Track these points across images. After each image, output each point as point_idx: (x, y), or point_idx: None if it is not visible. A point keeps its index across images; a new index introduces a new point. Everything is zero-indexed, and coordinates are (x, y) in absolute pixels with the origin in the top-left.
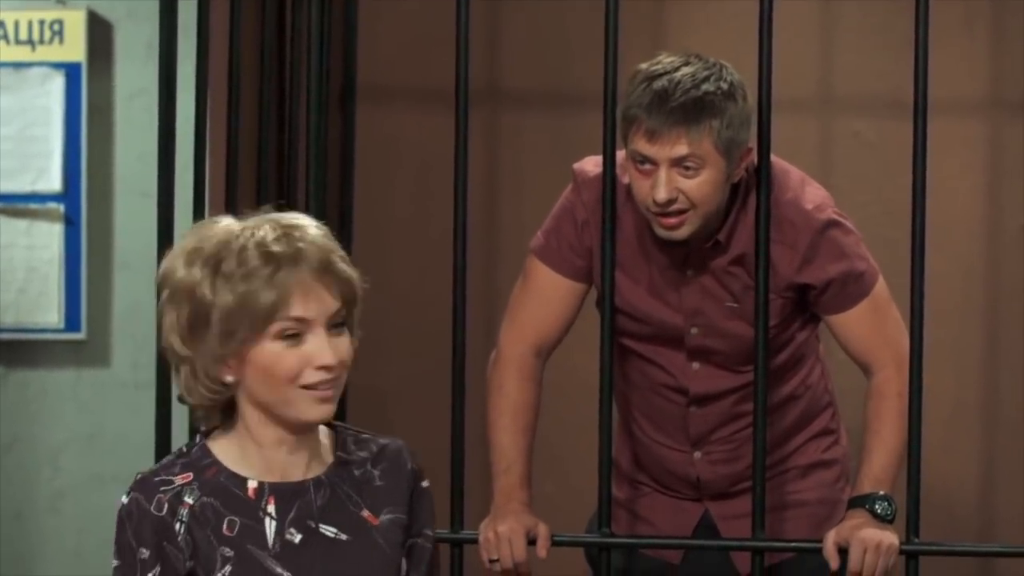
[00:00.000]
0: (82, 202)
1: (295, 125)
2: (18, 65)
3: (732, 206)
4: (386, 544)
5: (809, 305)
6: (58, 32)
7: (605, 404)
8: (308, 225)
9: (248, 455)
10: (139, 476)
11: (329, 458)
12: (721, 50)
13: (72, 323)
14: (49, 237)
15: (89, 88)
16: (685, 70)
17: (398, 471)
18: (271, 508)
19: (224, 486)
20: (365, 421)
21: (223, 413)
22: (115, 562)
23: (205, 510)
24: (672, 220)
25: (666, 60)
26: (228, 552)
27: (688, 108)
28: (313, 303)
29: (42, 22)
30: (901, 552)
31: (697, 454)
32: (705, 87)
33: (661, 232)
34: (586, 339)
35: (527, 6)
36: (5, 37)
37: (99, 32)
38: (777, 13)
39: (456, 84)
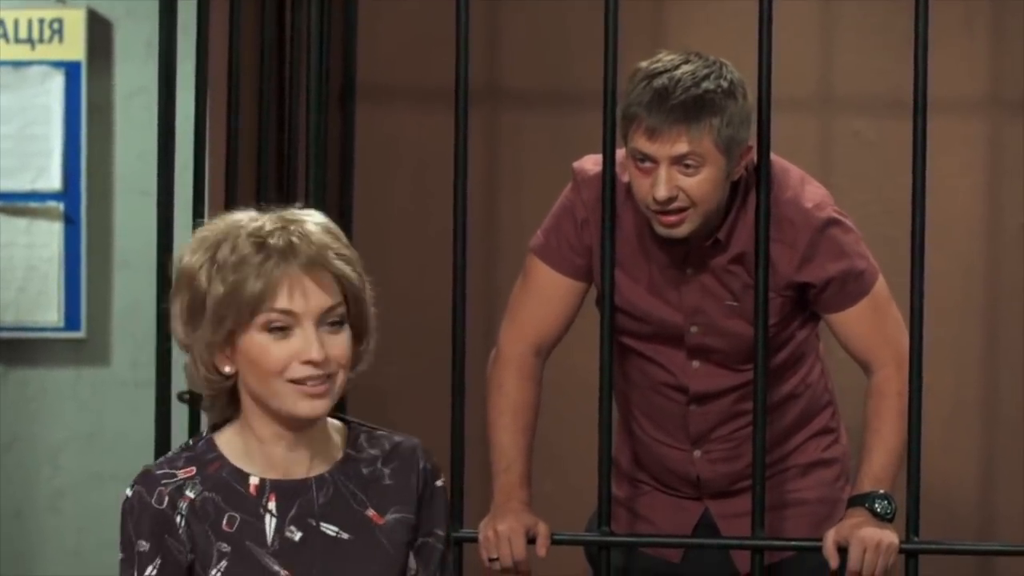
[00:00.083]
0: (82, 201)
1: (295, 124)
2: (18, 64)
3: (732, 204)
4: (389, 544)
5: (809, 304)
6: (58, 31)
7: (605, 403)
8: (309, 220)
9: (251, 450)
10: (144, 469)
11: (337, 455)
12: (721, 49)
13: (72, 322)
14: (49, 236)
15: (89, 87)
16: (685, 68)
17: (409, 470)
18: (272, 505)
19: (226, 482)
20: (364, 419)
21: (231, 406)
22: (120, 555)
23: (206, 505)
24: (672, 218)
25: (666, 58)
26: (225, 548)
27: (688, 106)
28: (301, 297)
29: (42, 21)
30: (901, 551)
31: (697, 453)
32: (705, 85)
33: (661, 230)
34: (586, 338)
35: (527, 5)
36: (5, 36)
37: (99, 31)
38: (777, 12)
39: (456, 83)
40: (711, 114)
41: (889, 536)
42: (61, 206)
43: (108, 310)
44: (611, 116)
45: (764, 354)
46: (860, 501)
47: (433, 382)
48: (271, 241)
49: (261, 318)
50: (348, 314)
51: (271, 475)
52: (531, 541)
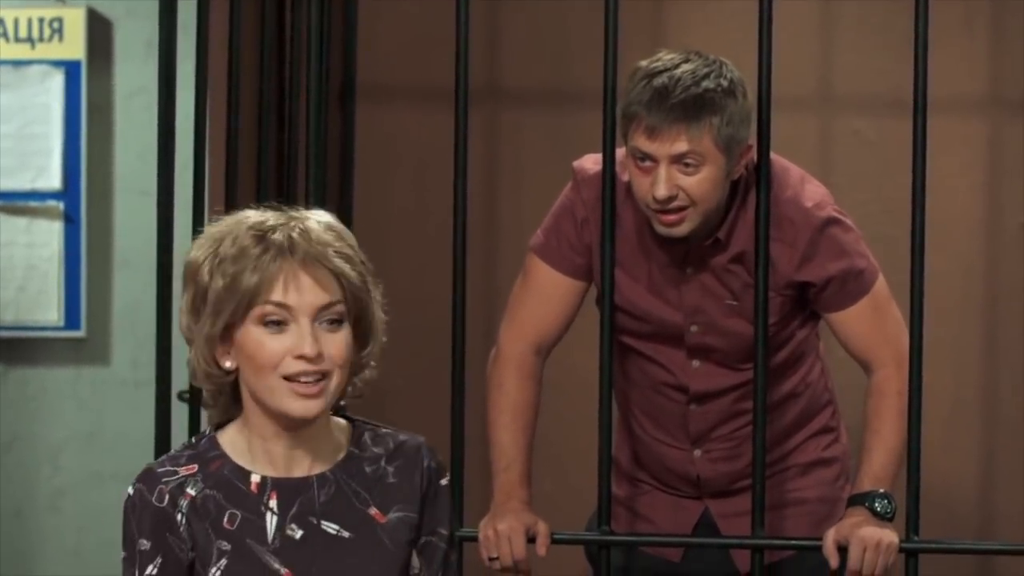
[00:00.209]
0: (82, 200)
1: (295, 123)
2: (18, 63)
3: (732, 204)
4: (391, 542)
5: (809, 303)
6: (58, 30)
7: (605, 402)
8: (312, 218)
9: (253, 448)
10: (146, 467)
11: (340, 453)
12: (721, 48)
13: (72, 321)
14: (49, 235)
15: (89, 86)
16: (685, 67)
17: (413, 468)
18: (273, 503)
19: (227, 479)
20: (365, 418)
21: (235, 405)
22: (122, 553)
23: (207, 502)
24: (672, 217)
25: (666, 57)
26: (225, 546)
27: (688, 105)
28: (296, 291)
29: (42, 20)
30: (901, 550)
31: (697, 452)
32: (705, 84)
33: (661, 229)
34: (586, 337)
35: (527, 5)
36: (5, 35)
37: (99, 30)
38: (777, 12)
39: (456, 83)
40: (711, 113)
41: (889, 535)
42: (61, 205)
43: (108, 309)
44: (611, 115)
45: (764, 353)
46: (860, 500)
47: (433, 382)
48: (271, 236)
49: (257, 311)
50: (348, 314)
51: (272, 473)
52: (531, 540)
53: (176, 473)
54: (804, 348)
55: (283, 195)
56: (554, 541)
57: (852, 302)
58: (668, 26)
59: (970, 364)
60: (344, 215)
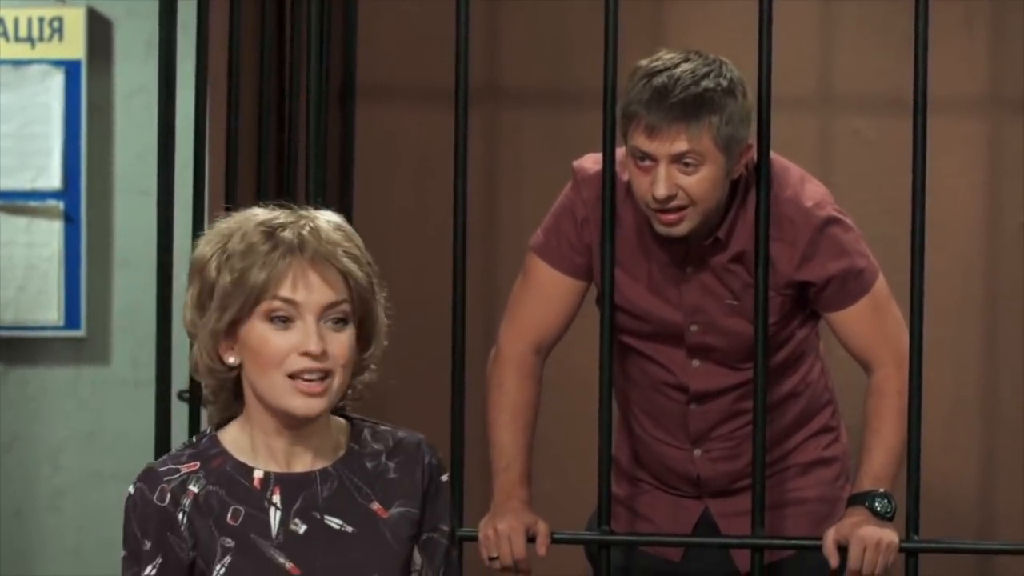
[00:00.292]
0: (82, 200)
1: (295, 123)
2: (18, 62)
3: (732, 203)
4: (393, 538)
5: (809, 302)
6: (58, 29)
7: (605, 402)
8: (322, 218)
9: (255, 444)
10: (147, 466)
11: (341, 450)
12: (721, 48)
13: (72, 320)
14: (49, 235)
15: (89, 86)
16: (685, 66)
17: (414, 465)
18: (276, 498)
19: (230, 475)
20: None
21: (236, 403)
22: (123, 552)
23: (209, 499)
24: (671, 216)
25: (666, 56)
26: (229, 542)
27: (688, 104)
28: (304, 289)
29: (42, 19)
30: (901, 550)
31: (697, 452)
32: (705, 83)
33: (660, 229)
34: (586, 337)
35: (527, 5)
36: (5, 34)
37: (99, 30)
38: (777, 11)
39: (456, 82)
40: (710, 112)
41: (889, 535)
42: (61, 205)
43: (108, 309)
44: (611, 115)
45: (764, 353)
46: (860, 500)
47: (433, 381)
48: (281, 233)
49: (263, 306)
50: (353, 314)
51: (275, 468)
52: (531, 540)
53: (178, 471)
54: (804, 348)
55: (283, 195)
56: (554, 541)
57: (852, 302)
58: (668, 26)
59: (970, 364)
60: (344, 215)
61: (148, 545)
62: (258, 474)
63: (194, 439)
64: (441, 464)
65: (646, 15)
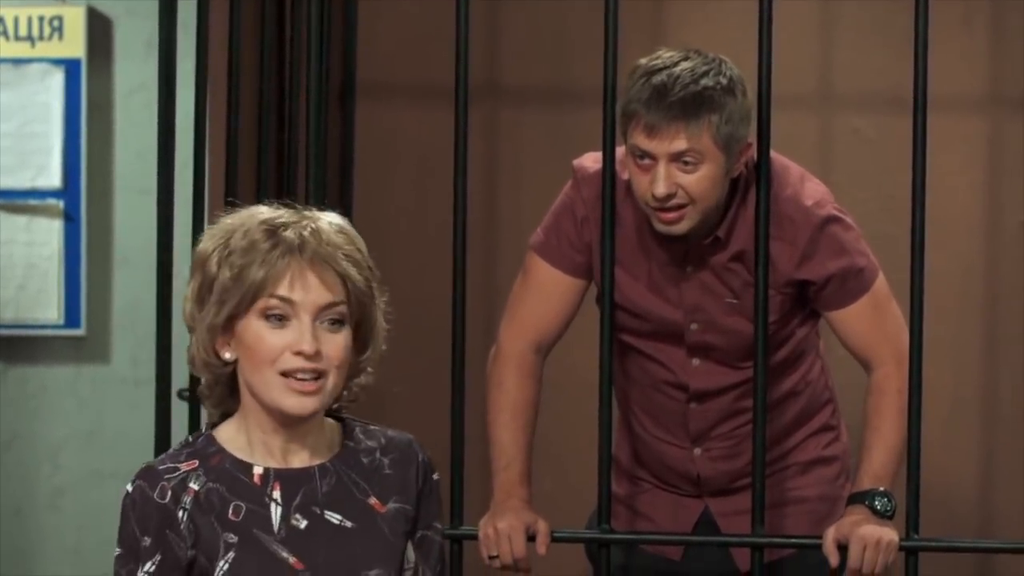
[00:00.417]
0: (82, 198)
1: (295, 122)
2: (18, 61)
3: (731, 202)
4: (390, 532)
5: (809, 301)
6: (58, 28)
7: (605, 400)
8: (325, 219)
9: (252, 441)
10: (145, 465)
11: (336, 447)
12: (720, 47)
13: (72, 319)
14: (49, 233)
15: (89, 84)
16: (684, 65)
17: (408, 462)
18: (276, 494)
19: (230, 472)
20: (363, 417)
21: (231, 398)
22: (117, 551)
23: (210, 496)
24: (671, 215)
25: (665, 55)
26: (232, 539)
27: (687, 103)
28: (301, 288)
29: (42, 18)
30: (901, 548)
31: (697, 450)
32: (704, 82)
33: (660, 227)
34: (586, 335)
35: (527, 3)
36: (5, 33)
37: (99, 28)
38: (777, 10)
39: (456, 81)
40: (710, 111)
41: (889, 533)
42: (61, 204)
43: (108, 308)
44: (611, 113)
45: (764, 351)
46: (860, 499)
47: (433, 380)
48: (282, 232)
49: (260, 304)
50: (350, 316)
51: (273, 464)
52: (531, 539)
53: (177, 469)
54: (804, 346)
55: (283, 194)
56: (554, 539)
57: (852, 300)
58: (668, 24)
59: (970, 362)
60: (344, 215)
61: (148, 542)
62: (258, 470)
63: (190, 439)
64: (432, 463)
65: (646, 14)
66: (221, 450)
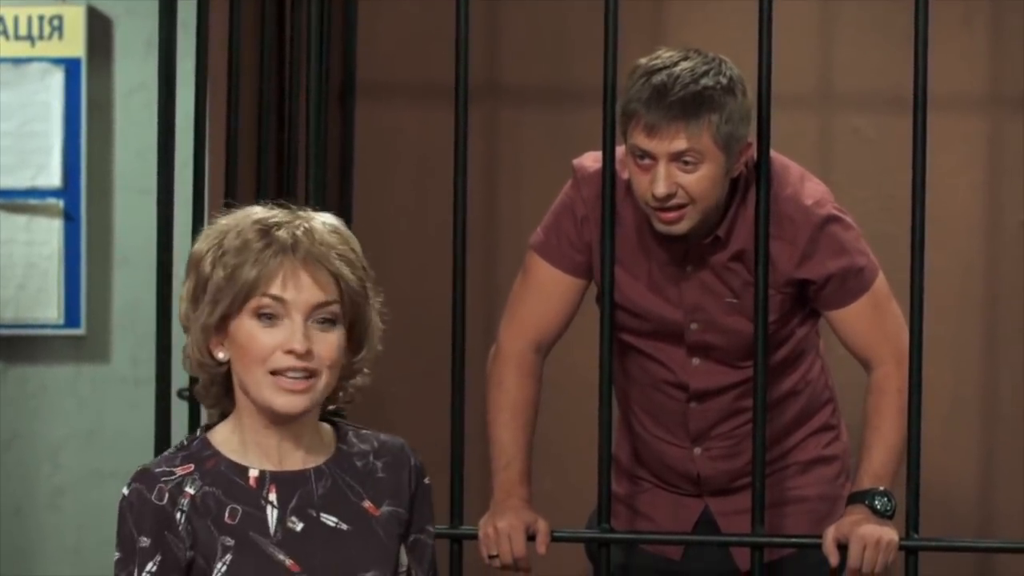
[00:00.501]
0: (81, 198)
1: (295, 121)
2: (17, 61)
3: (731, 202)
4: (384, 535)
5: (809, 301)
6: (58, 28)
7: (605, 400)
8: (318, 219)
9: (246, 443)
10: (141, 468)
11: (330, 450)
12: (720, 46)
13: (72, 319)
14: (48, 233)
15: (89, 84)
16: (684, 65)
17: (400, 466)
18: (272, 496)
19: (225, 475)
20: (363, 418)
21: (227, 398)
22: (116, 554)
23: (207, 499)
24: (671, 215)
25: (665, 55)
26: (229, 541)
27: (687, 102)
28: (293, 288)
29: (42, 18)
30: (901, 548)
31: (697, 450)
32: (704, 81)
33: (660, 227)
34: (586, 335)
35: (527, 3)
36: (4, 32)
37: (99, 28)
38: (776, 10)
39: (456, 80)
40: (710, 111)
41: (889, 533)
42: (61, 203)
43: (108, 307)
44: (611, 113)
45: (764, 351)
46: (860, 498)
47: (433, 379)
48: (275, 232)
49: (253, 303)
50: (343, 316)
51: (268, 466)
52: (531, 538)
53: (173, 473)
54: (804, 346)
55: (283, 194)
56: (554, 539)
57: (852, 300)
58: (668, 24)
59: (970, 362)
60: (344, 214)
61: (147, 543)
62: (253, 473)
63: (184, 442)
64: (423, 467)
65: (646, 14)
66: (216, 453)
